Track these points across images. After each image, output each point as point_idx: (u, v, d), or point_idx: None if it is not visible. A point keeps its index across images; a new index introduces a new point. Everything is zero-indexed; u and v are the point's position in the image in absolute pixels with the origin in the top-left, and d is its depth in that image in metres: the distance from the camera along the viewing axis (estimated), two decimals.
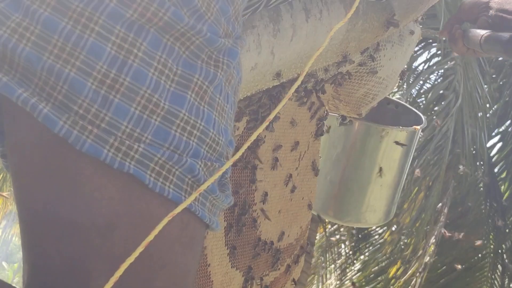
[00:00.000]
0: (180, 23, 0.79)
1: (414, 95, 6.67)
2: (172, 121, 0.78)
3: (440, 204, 5.92)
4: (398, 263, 6.27)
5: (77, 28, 0.75)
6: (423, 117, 2.33)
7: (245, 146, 0.85)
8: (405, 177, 2.43)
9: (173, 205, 0.78)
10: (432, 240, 5.88)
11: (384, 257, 6.59)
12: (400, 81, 2.14)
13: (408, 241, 6.21)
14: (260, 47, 1.43)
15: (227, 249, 1.73)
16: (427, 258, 5.90)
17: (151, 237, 0.73)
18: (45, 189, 0.77)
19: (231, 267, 1.75)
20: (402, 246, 6.29)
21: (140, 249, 0.72)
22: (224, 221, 1.70)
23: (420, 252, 5.98)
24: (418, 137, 2.34)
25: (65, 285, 0.76)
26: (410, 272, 6.01)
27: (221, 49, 0.84)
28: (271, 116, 0.87)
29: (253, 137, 0.87)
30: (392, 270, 6.34)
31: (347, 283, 7.00)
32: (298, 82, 0.90)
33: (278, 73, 1.53)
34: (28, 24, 0.75)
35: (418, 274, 5.92)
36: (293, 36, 1.51)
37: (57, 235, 0.76)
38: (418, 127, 2.26)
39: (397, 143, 2.22)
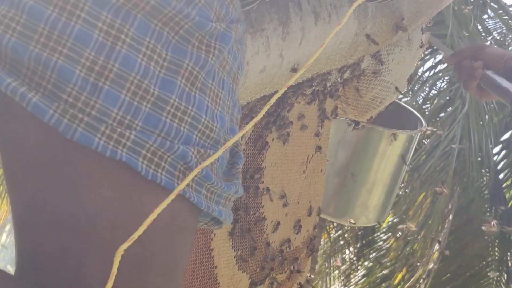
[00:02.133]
0: (167, 7, 0.78)
1: (420, 102, 6.66)
2: (162, 108, 0.77)
3: (445, 210, 5.91)
4: (404, 270, 6.25)
5: (63, 15, 0.74)
6: (421, 118, 2.36)
7: (239, 135, 0.84)
8: (402, 177, 2.47)
9: (165, 192, 0.76)
10: (437, 246, 5.87)
11: (389, 263, 6.57)
12: (409, 86, 2.16)
13: (415, 247, 6.19)
14: (269, 49, 1.43)
15: (234, 251, 1.73)
16: (431, 265, 5.89)
17: (144, 226, 0.72)
18: (36, 179, 0.76)
19: (238, 270, 1.75)
20: (407, 253, 6.27)
21: (135, 237, 0.71)
22: (231, 223, 1.70)
23: (425, 258, 5.96)
24: (417, 139, 2.38)
25: (57, 274, 0.75)
26: (414, 278, 5.99)
27: (212, 33, 0.82)
28: (263, 111, 0.86)
29: (248, 126, 0.85)
30: (398, 276, 6.33)
31: None
32: (289, 84, 0.89)
33: (293, 67, 1.52)
34: (14, 15, 0.74)
35: (422, 280, 5.90)
36: (302, 39, 1.51)
37: (48, 224, 0.75)
38: (423, 128, 2.29)
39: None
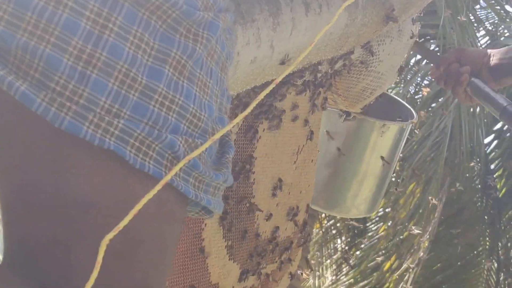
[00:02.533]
0: None
1: (412, 92, 6.67)
2: (150, 96, 0.77)
3: (436, 200, 5.93)
4: (393, 258, 6.28)
5: (50, 4, 0.74)
6: (412, 110, 2.37)
7: (229, 126, 0.84)
8: (393, 169, 2.47)
9: (153, 181, 0.76)
10: (427, 236, 5.90)
11: (380, 252, 6.60)
12: (398, 77, 2.17)
13: (404, 236, 6.22)
14: (259, 40, 1.43)
15: (225, 241, 1.74)
16: (421, 254, 5.91)
17: (130, 216, 0.72)
18: (24, 167, 0.76)
19: (229, 260, 1.76)
20: (398, 242, 6.30)
21: (120, 226, 0.72)
22: (222, 213, 1.71)
23: (415, 247, 5.99)
24: (408, 131, 2.38)
25: (45, 261, 0.76)
26: (403, 267, 6.02)
27: (200, 22, 0.83)
28: (261, 95, 0.86)
29: (236, 120, 0.85)
30: (387, 265, 6.36)
31: (343, 278, 7.01)
32: (280, 78, 0.89)
33: (283, 59, 1.53)
34: (1, 4, 0.75)
35: (411, 270, 5.93)
36: (293, 30, 1.51)
37: (37, 212, 0.76)
38: (415, 120, 2.30)
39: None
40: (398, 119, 2.33)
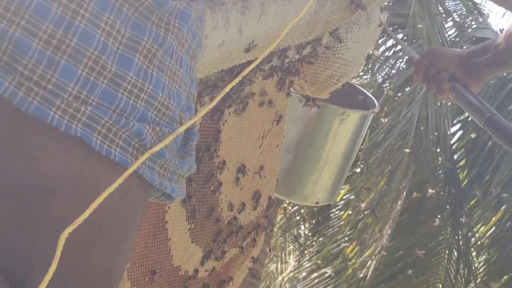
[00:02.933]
0: None
1: (379, 81, 6.71)
2: (119, 84, 0.77)
3: (400, 188, 5.99)
4: (353, 244, 6.33)
5: None
6: (374, 100, 2.38)
7: (199, 115, 0.85)
8: (353, 158, 2.48)
9: (119, 168, 0.77)
10: (390, 223, 5.95)
11: (343, 239, 6.65)
12: (367, 65, 2.18)
13: (367, 223, 6.27)
14: (228, 24, 1.43)
15: (188, 224, 1.74)
16: (383, 241, 5.97)
17: (95, 204, 0.72)
18: None
19: (192, 243, 1.76)
20: (360, 229, 6.35)
21: (79, 221, 0.71)
22: (186, 196, 1.71)
23: (378, 234, 6.04)
24: (370, 120, 2.39)
25: (8, 246, 0.75)
26: (366, 254, 6.08)
27: (172, 11, 0.83)
28: (227, 89, 0.86)
29: (209, 106, 0.86)
30: (348, 251, 6.41)
31: (305, 264, 7.06)
32: (254, 65, 0.89)
33: (249, 47, 1.53)
34: None
35: (373, 256, 5.98)
36: (262, 15, 1.51)
37: (0, 195, 0.75)
38: (376, 110, 2.31)
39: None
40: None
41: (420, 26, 5.79)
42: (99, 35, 0.76)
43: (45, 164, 0.75)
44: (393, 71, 6.74)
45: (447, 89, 1.87)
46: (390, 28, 6.50)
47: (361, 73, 6.33)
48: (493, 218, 6.55)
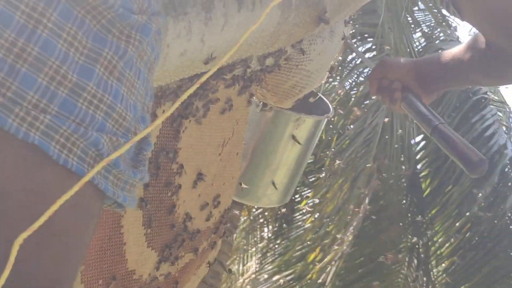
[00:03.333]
0: None
1: (347, 88, 6.76)
2: (79, 94, 0.78)
3: (362, 195, 6.04)
4: (317, 250, 6.38)
5: None
6: (330, 105, 2.39)
7: (154, 124, 0.86)
8: (306, 162, 2.51)
9: (74, 177, 0.77)
10: (351, 230, 6.00)
11: (306, 244, 6.69)
12: (330, 78, 2.20)
13: (329, 229, 6.31)
14: (190, 33, 1.44)
15: (144, 229, 1.75)
16: (344, 248, 6.02)
17: (48, 214, 0.73)
18: None
19: (147, 247, 1.77)
20: (322, 235, 6.39)
21: (33, 228, 0.72)
22: (143, 201, 1.72)
23: (339, 241, 6.09)
24: (324, 124, 2.40)
25: None
26: (326, 259, 6.12)
27: (133, 25, 0.83)
28: (183, 97, 0.87)
29: (165, 115, 0.87)
30: (311, 257, 6.45)
31: (267, 266, 7.09)
32: (209, 74, 0.91)
33: (208, 59, 1.55)
34: None
35: (333, 262, 6.03)
36: (225, 25, 1.53)
37: None
38: (330, 115, 2.33)
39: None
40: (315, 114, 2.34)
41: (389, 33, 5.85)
42: (61, 45, 0.77)
43: (1, 171, 0.75)
44: (361, 79, 6.80)
45: (398, 98, 1.88)
46: (359, 37, 6.57)
47: (330, 79, 6.38)
48: (453, 228, 6.63)
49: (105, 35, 0.81)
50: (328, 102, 2.40)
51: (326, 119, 2.36)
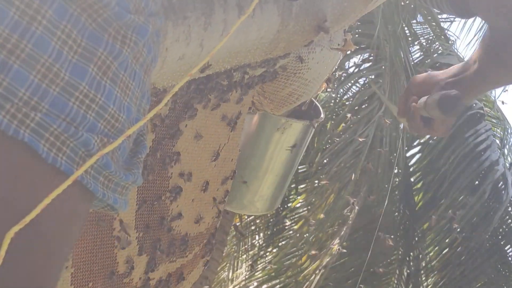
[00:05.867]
0: None
1: (340, 95, 6.77)
2: (71, 93, 0.77)
3: (349, 207, 6.04)
4: (303, 258, 6.38)
5: None
6: (320, 108, 2.33)
7: (140, 123, 0.85)
8: (295, 168, 2.43)
9: (62, 177, 0.77)
10: (337, 240, 5.99)
11: (297, 252, 6.69)
12: (327, 88, 2.16)
13: (320, 237, 6.32)
14: (189, 38, 1.44)
15: (137, 233, 1.74)
16: (328, 258, 6.01)
17: (37, 210, 0.72)
18: None
19: (139, 251, 1.77)
20: (312, 244, 6.39)
21: (25, 221, 0.71)
22: (136, 204, 1.71)
23: (324, 250, 6.09)
24: (313, 130, 2.33)
25: None
26: (311, 268, 6.11)
27: (130, 25, 0.83)
28: (169, 96, 0.87)
29: (151, 114, 0.86)
30: (300, 263, 6.45)
31: (257, 274, 7.08)
32: (181, 83, 0.91)
33: (205, 66, 1.55)
34: None
35: (317, 271, 6.02)
36: (224, 31, 1.52)
37: None
38: (320, 119, 2.26)
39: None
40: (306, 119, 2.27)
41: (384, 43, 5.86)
42: (54, 42, 0.76)
43: None
44: (355, 88, 6.81)
45: (416, 112, 1.66)
46: (356, 47, 6.57)
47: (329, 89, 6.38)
48: (444, 242, 6.64)
49: (101, 34, 0.81)
50: (320, 107, 2.35)
51: (316, 124, 2.29)
